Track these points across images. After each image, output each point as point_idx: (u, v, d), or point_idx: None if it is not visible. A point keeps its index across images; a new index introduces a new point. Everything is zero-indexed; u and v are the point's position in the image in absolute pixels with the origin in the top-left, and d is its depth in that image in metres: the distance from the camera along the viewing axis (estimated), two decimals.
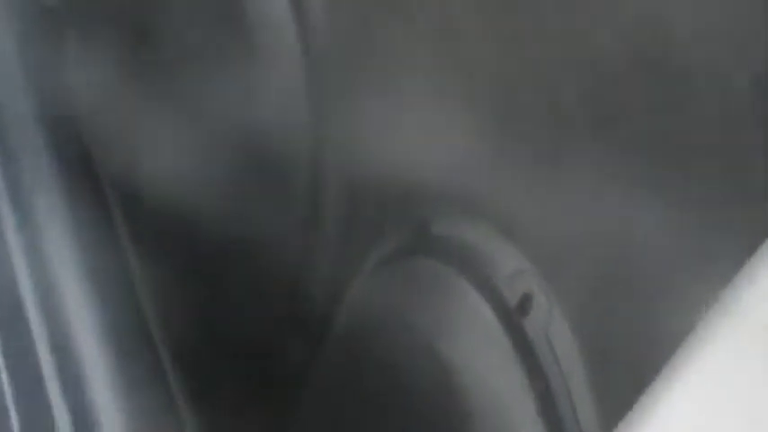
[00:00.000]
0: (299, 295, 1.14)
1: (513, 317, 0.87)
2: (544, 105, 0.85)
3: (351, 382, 1.04)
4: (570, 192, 0.84)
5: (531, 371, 0.85)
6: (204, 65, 1.17)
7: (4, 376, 0.99)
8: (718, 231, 0.74)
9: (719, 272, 0.66)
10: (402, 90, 1.00)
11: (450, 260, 0.94)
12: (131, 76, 1.25)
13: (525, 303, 0.87)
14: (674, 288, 0.75)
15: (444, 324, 0.94)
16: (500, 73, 0.90)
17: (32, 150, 1.19)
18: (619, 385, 0.78)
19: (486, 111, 0.91)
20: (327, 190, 1.09)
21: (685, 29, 0.74)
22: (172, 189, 1.21)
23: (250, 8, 1.15)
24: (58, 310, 1.08)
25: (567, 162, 0.85)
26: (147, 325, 1.15)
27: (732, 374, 0.60)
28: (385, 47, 1.01)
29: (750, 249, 0.65)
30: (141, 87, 1.23)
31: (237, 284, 1.18)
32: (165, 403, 1.13)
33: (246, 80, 1.13)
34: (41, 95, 1.20)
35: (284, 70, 1.09)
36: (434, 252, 0.96)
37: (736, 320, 0.63)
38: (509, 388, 0.86)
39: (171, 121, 1.18)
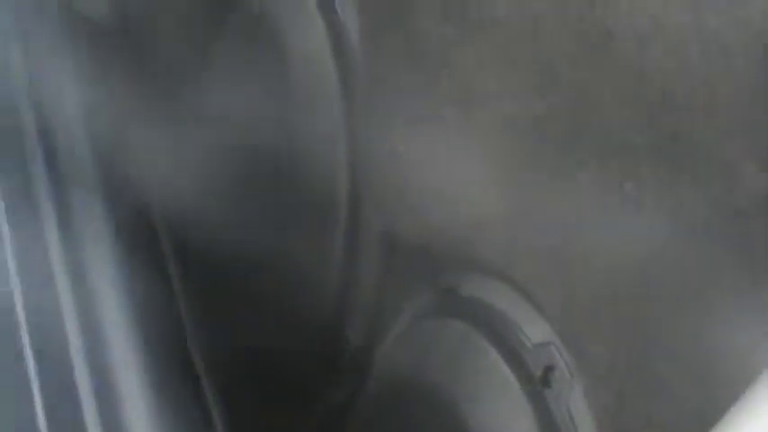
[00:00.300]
0: (337, 341, 1.15)
1: (536, 387, 0.87)
2: (562, 172, 0.85)
3: None
4: (590, 256, 0.84)
5: None
6: (246, 101, 1.18)
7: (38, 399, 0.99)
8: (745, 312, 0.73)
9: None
10: (432, 149, 1.00)
11: (479, 325, 0.94)
12: (177, 105, 1.26)
13: (549, 375, 0.86)
14: (694, 370, 0.74)
15: (469, 388, 0.94)
16: (520, 143, 0.89)
17: (82, 178, 1.20)
18: None
19: (509, 178, 0.91)
20: (364, 240, 1.09)
21: None
22: (217, 232, 1.22)
23: (292, 49, 1.16)
24: (100, 338, 1.07)
25: (591, 227, 0.84)
26: (191, 357, 1.15)
27: None
28: (416, 109, 1.02)
29: None
30: (187, 120, 1.25)
31: (278, 324, 1.19)
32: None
33: (287, 122, 1.14)
34: (92, 123, 1.20)
35: (324, 115, 1.10)
36: (463, 314, 0.96)
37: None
38: None
39: (214, 161, 1.19)
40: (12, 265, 1.04)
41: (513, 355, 0.89)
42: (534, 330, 0.89)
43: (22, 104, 1.15)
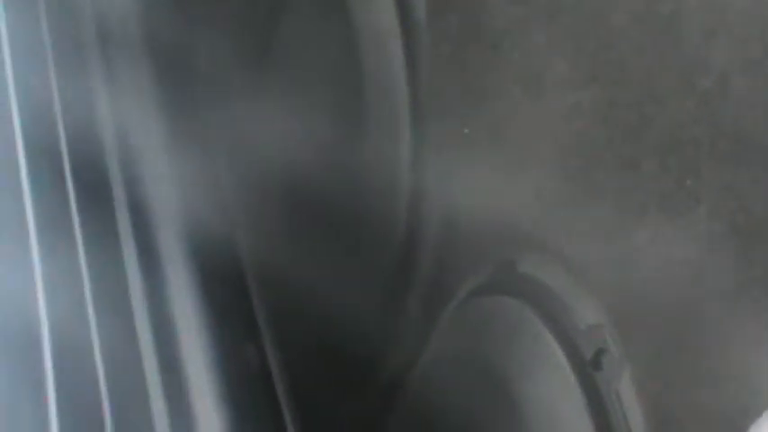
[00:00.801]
0: (398, 312, 1.17)
1: (587, 370, 0.88)
2: (625, 163, 0.86)
3: (432, 410, 1.07)
4: (646, 245, 0.85)
5: (600, 425, 0.86)
6: (314, 116, 1.20)
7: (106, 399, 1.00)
8: None
9: None
10: (496, 129, 1.02)
11: (533, 304, 0.95)
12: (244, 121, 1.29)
13: (600, 358, 0.88)
14: (740, 363, 0.75)
15: (522, 366, 0.95)
16: (585, 130, 0.91)
17: (167, 226, 1.18)
18: None
19: (571, 163, 0.92)
20: (426, 215, 1.11)
21: None
22: (287, 237, 1.24)
23: (359, 26, 1.17)
24: (174, 342, 1.07)
25: (643, 217, 0.86)
26: (263, 343, 1.16)
27: None
28: (482, 89, 1.03)
29: None
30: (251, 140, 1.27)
31: (344, 303, 1.22)
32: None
33: (353, 101, 1.16)
34: (175, 163, 1.21)
35: (392, 110, 1.12)
36: (519, 292, 0.98)
37: None
38: None
39: (279, 174, 1.22)
40: (92, 314, 1.03)
41: (566, 336, 0.91)
42: (587, 312, 0.90)
43: (107, 148, 1.14)
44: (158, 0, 1.21)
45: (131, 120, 1.15)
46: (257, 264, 1.12)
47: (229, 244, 1.14)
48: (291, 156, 1.21)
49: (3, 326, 0.98)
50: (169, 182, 1.13)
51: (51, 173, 1.10)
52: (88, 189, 1.09)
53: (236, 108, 1.28)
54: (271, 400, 1.07)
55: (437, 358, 1.10)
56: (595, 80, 0.92)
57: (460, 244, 1.10)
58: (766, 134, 0.77)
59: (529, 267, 0.98)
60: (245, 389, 1.08)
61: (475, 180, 1.05)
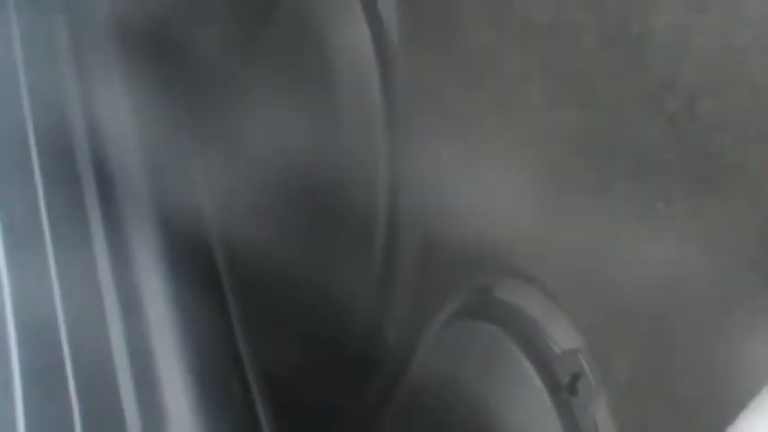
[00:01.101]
0: (375, 339, 1.17)
1: (563, 395, 0.88)
2: (597, 186, 0.86)
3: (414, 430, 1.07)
4: (620, 269, 0.85)
5: None
6: (290, 100, 1.20)
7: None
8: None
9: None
10: (472, 154, 1.02)
11: (510, 329, 0.96)
12: (223, 113, 1.29)
13: (576, 383, 0.88)
14: (716, 390, 0.75)
15: (499, 391, 0.95)
16: (558, 154, 0.91)
17: (135, 202, 1.18)
18: None
19: (545, 188, 0.92)
20: (402, 244, 1.11)
21: None
22: (263, 241, 1.24)
23: (334, 46, 1.18)
24: (149, 366, 1.06)
25: (617, 241, 0.86)
26: (241, 358, 1.16)
27: None
28: (457, 114, 1.03)
29: None
30: (233, 130, 1.27)
31: (319, 325, 1.21)
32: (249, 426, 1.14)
33: (331, 136, 1.16)
34: (145, 145, 1.21)
35: (367, 130, 1.12)
36: (495, 317, 0.98)
37: None
38: None
39: (259, 175, 1.22)
40: (57, 290, 1.02)
41: (542, 361, 0.91)
42: (563, 337, 0.90)
43: (76, 126, 1.14)
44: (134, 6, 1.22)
45: (101, 103, 1.15)
46: (230, 261, 1.13)
47: (201, 231, 1.14)
48: (266, 162, 1.20)
49: None
50: (140, 168, 1.13)
51: (18, 156, 1.10)
52: (57, 178, 1.09)
53: (217, 100, 1.28)
54: (244, 392, 1.07)
55: (417, 384, 1.10)
56: (567, 104, 0.93)
57: (437, 270, 1.10)
58: (734, 157, 0.77)
59: (505, 292, 0.98)
60: (217, 381, 1.07)
61: (451, 205, 1.05)
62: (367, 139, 1.14)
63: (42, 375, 0.97)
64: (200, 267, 1.15)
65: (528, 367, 0.92)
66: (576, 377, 0.88)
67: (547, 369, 0.90)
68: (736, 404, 0.70)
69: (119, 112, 1.17)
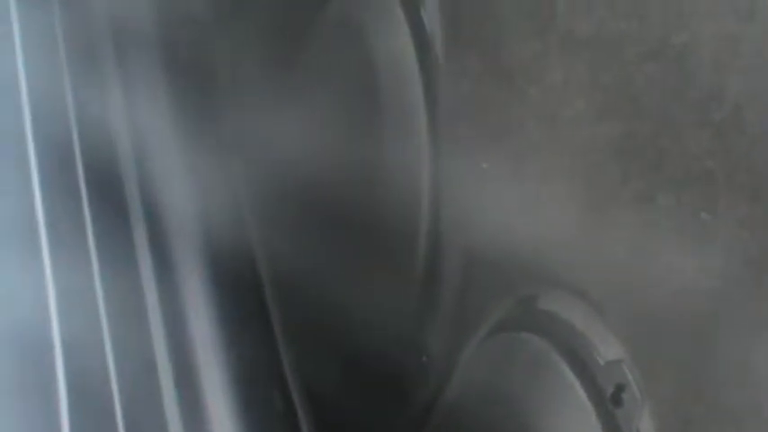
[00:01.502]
0: (417, 352, 1.17)
1: (607, 406, 0.88)
2: (640, 197, 0.86)
3: None
4: (663, 280, 0.85)
5: None
6: (333, 126, 1.21)
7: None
8: None
9: None
10: (515, 165, 1.02)
11: (554, 340, 0.95)
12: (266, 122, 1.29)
13: (620, 394, 0.87)
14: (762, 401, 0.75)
15: (542, 402, 0.95)
16: (602, 165, 0.90)
17: (182, 231, 1.17)
18: None
19: (588, 198, 0.92)
20: (444, 255, 1.11)
21: None
22: (306, 254, 1.24)
23: (386, 106, 1.18)
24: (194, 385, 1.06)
25: (660, 252, 0.85)
26: (283, 367, 1.16)
27: None
28: (499, 124, 1.03)
29: None
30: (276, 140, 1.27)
31: (361, 338, 1.22)
32: None
33: (374, 145, 1.16)
34: (192, 170, 1.20)
35: (409, 138, 1.12)
36: (539, 328, 0.98)
37: None
38: None
39: (301, 188, 1.22)
40: (104, 316, 1.02)
41: (586, 372, 0.90)
42: (606, 347, 0.90)
43: (123, 153, 1.13)
44: (181, 8, 1.21)
45: (146, 122, 1.15)
46: (274, 281, 1.12)
47: (246, 254, 1.14)
48: (309, 172, 1.20)
49: (16, 337, 0.98)
50: (184, 187, 1.13)
51: (64, 177, 1.10)
52: (102, 194, 1.09)
53: (256, 116, 1.28)
54: (286, 406, 1.06)
55: (459, 396, 1.09)
56: (611, 115, 0.92)
57: (480, 281, 1.10)
58: None
59: (549, 303, 0.98)
60: (261, 405, 1.07)
61: (494, 216, 1.05)
62: (409, 147, 1.14)
63: (89, 399, 0.98)
64: (243, 283, 1.15)
65: (571, 378, 0.91)
66: (620, 388, 0.87)
67: (591, 380, 0.90)
68: None
69: (163, 130, 1.17)
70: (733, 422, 0.77)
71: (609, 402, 0.88)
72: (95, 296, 1.02)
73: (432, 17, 1.14)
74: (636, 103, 0.90)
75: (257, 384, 1.09)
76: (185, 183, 1.16)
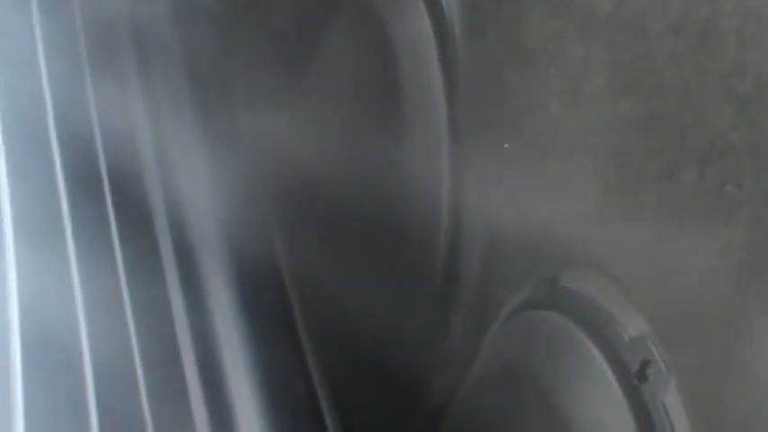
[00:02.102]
0: (441, 334, 1.17)
1: (632, 382, 0.88)
2: (664, 173, 0.86)
3: (479, 427, 1.06)
4: (688, 255, 0.85)
5: None
6: (352, 129, 1.21)
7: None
8: None
9: None
10: (536, 144, 1.02)
11: (577, 317, 0.95)
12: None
13: (645, 369, 0.87)
14: None
15: (568, 380, 0.95)
16: (624, 142, 0.90)
17: (207, 243, 1.17)
18: None
19: (610, 176, 0.92)
20: (467, 236, 1.11)
21: None
22: (329, 239, 1.24)
23: (405, 86, 1.18)
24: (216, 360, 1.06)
25: (684, 227, 0.85)
26: (306, 363, 1.15)
27: None
28: (521, 104, 1.03)
29: None
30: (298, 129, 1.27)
31: (385, 321, 1.22)
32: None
33: (394, 129, 1.16)
34: (216, 181, 1.19)
35: (429, 122, 1.12)
36: (562, 306, 0.98)
37: None
38: None
39: (317, 187, 1.22)
40: (132, 326, 1.02)
41: (610, 349, 0.91)
42: (631, 324, 0.90)
43: (147, 167, 1.13)
44: (197, 7, 1.22)
45: (169, 130, 1.15)
46: (298, 281, 1.12)
47: (271, 261, 1.14)
48: (330, 168, 1.20)
49: (43, 346, 0.98)
50: (208, 195, 1.13)
51: (90, 186, 1.10)
52: (127, 204, 1.09)
53: (275, 117, 1.28)
54: (317, 422, 1.06)
55: (483, 375, 1.10)
56: (632, 91, 0.92)
57: (503, 260, 1.10)
58: None
59: (572, 281, 0.98)
60: (291, 413, 1.07)
61: (515, 195, 1.05)
62: (430, 131, 1.14)
63: (118, 401, 0.98)
64: (268, 283, 1.14)
65: (596, 355, 0.91)
66: (645, 364, 0.87)
67: (615, 356, 0.90)
68: None
69: (184, 136, 1.17)
70: (761, 395, 0.77)
71: (634, 378, 0.88)
72: (122, 302, 1.02)
73: (450, 1, 1.14)
74: (658, 79, 0.89)
75: (284, 389, 1.09)
76: (209, 187, 1.16)
